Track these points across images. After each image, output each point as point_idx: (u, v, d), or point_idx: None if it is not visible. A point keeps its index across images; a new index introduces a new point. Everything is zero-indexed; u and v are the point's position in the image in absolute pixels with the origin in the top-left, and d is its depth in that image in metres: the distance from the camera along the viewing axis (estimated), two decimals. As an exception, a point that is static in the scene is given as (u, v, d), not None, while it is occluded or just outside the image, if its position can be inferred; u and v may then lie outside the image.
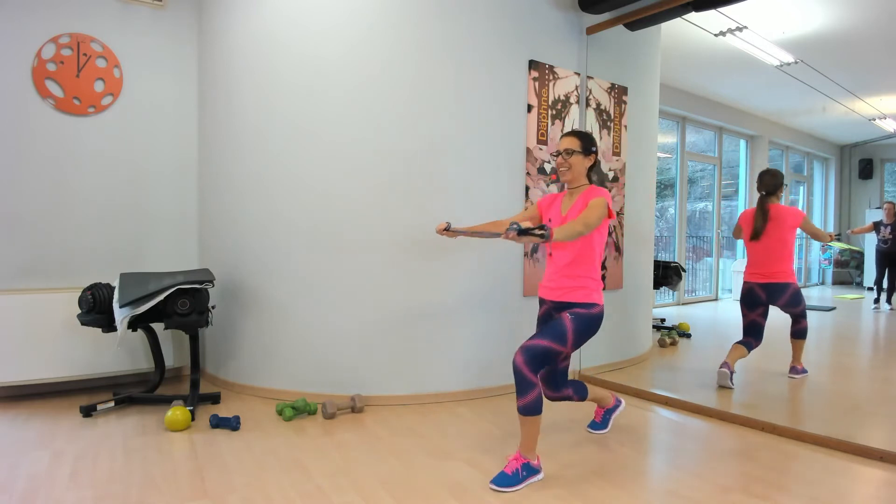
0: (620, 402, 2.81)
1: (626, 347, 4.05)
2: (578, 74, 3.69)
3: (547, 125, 3.52)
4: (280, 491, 2.09)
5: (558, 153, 2.36)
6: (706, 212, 5.49)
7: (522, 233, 1.91)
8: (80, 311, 3.02)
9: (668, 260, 5.18)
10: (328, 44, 3.12)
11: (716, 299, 5.57)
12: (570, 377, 2.65)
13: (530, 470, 2.17)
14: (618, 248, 3.94)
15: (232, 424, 2.73)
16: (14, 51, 3.20)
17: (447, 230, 2.39)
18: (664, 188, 5.35)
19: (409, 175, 3.14)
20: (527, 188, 3.44)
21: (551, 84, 3.53)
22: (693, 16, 3.47)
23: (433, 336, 3.20)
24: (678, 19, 3.57)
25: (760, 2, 3.70)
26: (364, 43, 3.10)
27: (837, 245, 5.22)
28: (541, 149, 3.49)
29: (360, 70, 3.11)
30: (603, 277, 3.81)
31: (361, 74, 3.11)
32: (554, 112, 3.56)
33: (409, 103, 3.14)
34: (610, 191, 3.85)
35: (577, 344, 2.26)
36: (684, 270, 5.29)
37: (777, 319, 3.53)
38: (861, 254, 5.27)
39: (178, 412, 2.72)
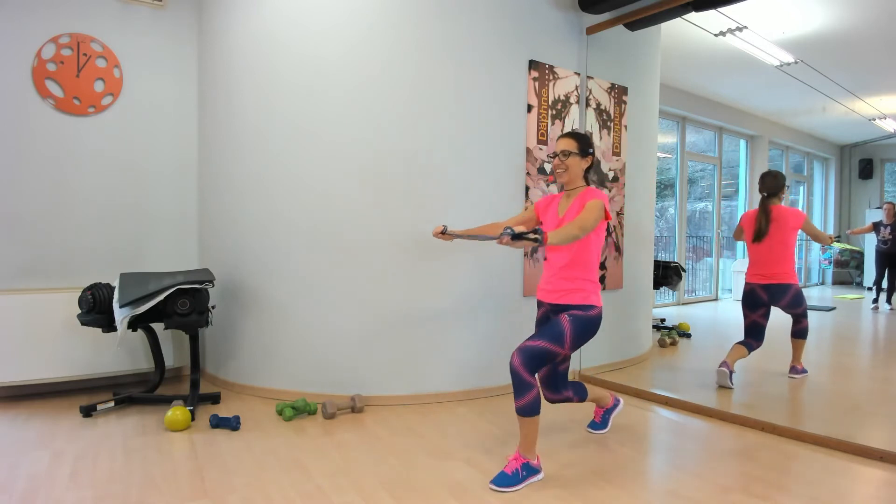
0: (619, 401, 2.81)
1: (626, 347, 4.05)
2: (578, 74, 3.69)
3: (547, 125, 3.52)
4: (280, 491, 2.09)
5: (555, 155, 2.36)
6: (706, 212, 5.49)
7: (516, 237, 1.91)
8: (80, 311, 3.02)
9: (668, 260, 5.18)
10: (328, 44, 3.12)
11: (716, 299, 5.57)
12: (569, 377, 2.65)
13: (530, 470, 2.17)
14: (618, 248, 3.94)
15: (232, 424, 2.73)
16: (14, 51, 3.20)
17: (443, 233, 2.38)
18: (664, 188, 5.35)
19: (409, 175, 3.14)
20: (527, 188, 3.44)
21: (551, 84, 3.53)
22: (693, 16, 3.47)
23: (433, 336, 3.20)
24: (678, 19, 3.57)
25: (760, 2, 3.70)
26: (364, 43, 3.10)
27: (838, 245, 5.22)
28: (541, 149, 3.49)
29: (360, 70, 3.11)
30: (603, 277, 3.82)
31: (361, 74, 3.11)
32: (554, 112, 3.56)
33: (409, 103, 3.14)
34: (610, 191, 3.86)
35: (576, 346, 2.26)
36: (684, 270, 5.29)
37: (777, 320, 3.53)
38: (861, 254, 5.27)
39: (178, 412, 2.72)
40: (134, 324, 2.98)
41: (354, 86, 3.11)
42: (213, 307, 3.24)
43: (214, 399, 3.17)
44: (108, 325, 2.96)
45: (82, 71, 3.37)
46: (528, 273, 3.46)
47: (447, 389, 3.24)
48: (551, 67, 3.52)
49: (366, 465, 2.34)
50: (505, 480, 2.13)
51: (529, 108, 3.44)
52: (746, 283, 3.52)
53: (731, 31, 4.07)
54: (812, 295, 5.48)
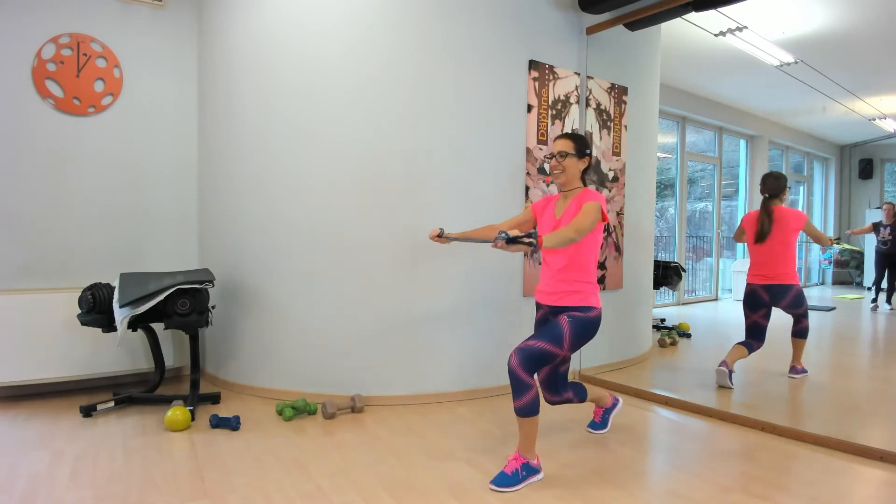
0: (618, 400, 2.81)
1: (626, 347, 4.05)
2: (578, 74, 3.69)
3: (547, 125, 3.52)
4: (280, 491, 2.09)
5: (552, 156, 2.35)
6: (706, 212, 5.49)
7: (511, 241, 1.90)
8: (80, 311, 3.02)
9: (668, 260, 5.17)
10: (328, 44, 3.12)
11: (716, 299, 5.57)
12: (569, 377, 2.65)
13: (530, 470, 2.17)
14: (618, 248, 3.94)
15: (232, 424, 2.73)
16: (14, 51, 3.20)
17: (440, 237, 2.38)
18: (664, 188, 5.35)
19: (409, 175, 3.14)
20: (527, 188, 3.44)
21: (551, 84, 3.53)
22: (693, 16, 3.47)
23: (433, 336, 3.21)
24: (678, 19, 3.57)
25: (760, 2, 3.70)
26: (364, 43, 3.10)
27: (838, 246, 5.22)
28: (541, 149, 3.49)
29: (360, 70, 3.11)
30: (603, 277, 3.82)
31: (361, 74, 3.11)
32: (554, 112, 3.56)
33: (409, 103, 3.14)
34: (610, 191, 3.86)
35: (574, 347, 2.26)
36: (684, 270, 5.28)
37: (778, 320, 3.53)
38: (861, 254, 5.26)
39: (178, 412, 2.72)
40: (134, 324, 2.98)
41: (354, 86, 3.11)
42: (213, 307, 3.24)
43: (214, 399, 3.17)
44: (108, 325, 2.96)
45: (82, 71, 3.37)
46: (528, 273, 3.46)
47: (447, 389, 3.24)
48: (551, 67, 3.52)
49: (366, 465, 2.34)
50: (505, 480, 2.13)
51: (529, 108, 3.43)
52: (748, 284, 3.52)
53: (731, 31, 4.07)
54: (812, 295, 5.48)
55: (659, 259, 4.96)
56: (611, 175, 3.87)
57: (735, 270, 5.40)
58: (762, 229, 3.42)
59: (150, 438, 2.61)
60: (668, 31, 4.28)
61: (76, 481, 2.14)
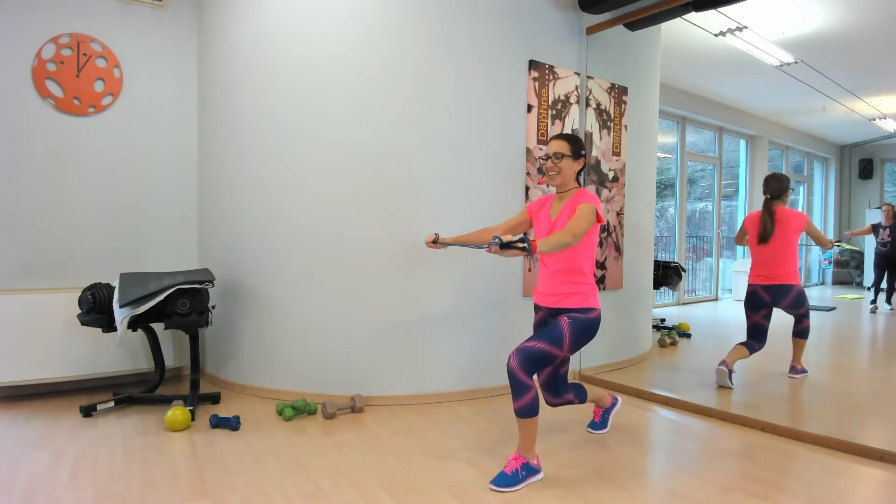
0: (617, 399, 2.81)
1: (626, 347, 4.05)
2: (578, 74, 3.69)
3: (547, 125, 3.52)
4: (280, 491, 2.09)
5: (547, 157, 2.33)
6: (706, 212, 5.48)
7: (505, 246, 1.90)
8: (80, 311, 3.02)
9: (668, 260, 5.17)
10: (328, 44, 3.12)
11: (716, 299, 5.56)
12: (569, 378, 2.65)
13: (530, 470, 2.17)
14: (618, 248, 3.94)
15: (232, 424, 2.73)
16: (14, 51, 3.20)
17: (435, 242, 2.37)
18: (664, 188, 5.35)
19: (409, 175, 3.14)
20: (527, 188, 3.44)
21: (551, 84, 3.53)
22: (693, 16, 3.47)
23: (433, 336, 3.20)
24: (678, 19, 3.57)
25: (760, 2, 3.70)
26: (364, 43, 3.10)
27: (838, 247, 5.21)
28: (541, 149, 3.49)
29: (360, 70, 3.11)
30: (603, 278, 3.82)
31: (361, 74, 3.11)
32: (554, 112, 3.56)
33: (409, 103, 3.14)
34: (610, 191, 3.87)
35: (574, 348, 2.26)
36: (684, 270, 5.28)
37: (778, 320, 3.53)
38: (861, 254, 5.26)
39: (178, 412, 2.72)
40: (134, 324, 2.98)
41: (354, 86, 3.11)
42: (213, 307, 3.24)
43: (214, 399, 3.17)
44: (108, 325, 2.96)
45: (82, 71, 3.37)
46: (527, 273, 3.46)
47: (447, 389, 3.24)
48: (551, 67, 3.52)
49: (366, 465, 2.34)
50: (505, 480, 2.13)
51: (529, 108, 3.43)
52: (749, 285, 3.53)
53: (731, 31, 4.07)
54: (812, 295, 5.47)
55: (659, 259, 4.96)
56: (611, 175, 3.87)
57: (735, 270, 5.40)
58: (765, 230, 3.42)
59: (150, 438, 2.61)
60: (668, 31, 4.28)
61: (76, 481, 2.15)
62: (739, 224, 3.71)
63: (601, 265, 3.83)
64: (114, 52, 3.46)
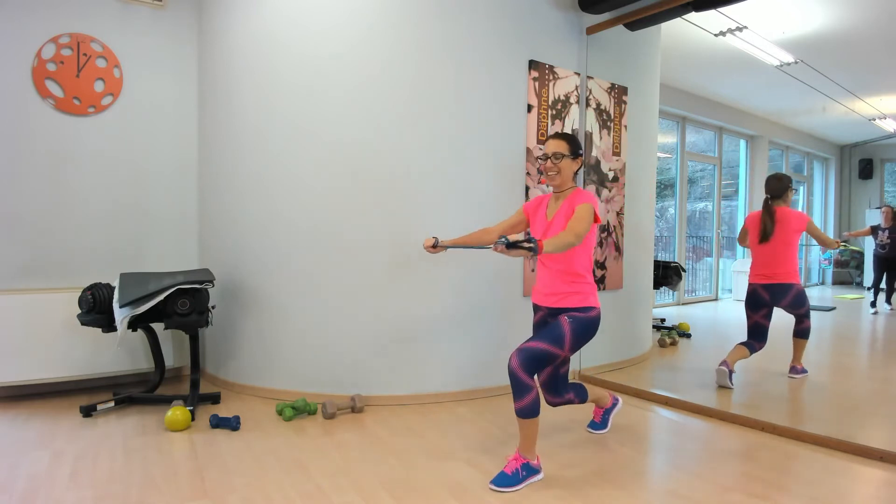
0: (618, 400, 2.81)
1: (626, 347, 4.05)
2: (578, 74, 3.69)
3: (547, 125, 3.52)
4: (280, 491, 2.09)
5: (546, 157, 2.32)
6: (706, 212, 5.48)
7: (511, 246, 1.90)
8: (80, 311, 3.02)
9: (668, 260, 5.17)
10: (328, 44, 3.12)
11: (716, 299, 5.56)
12: (569, 378, 2.65)
13: (530, 470, 2.17)
14: (618, 248, 3.94)
15: (232, 424, 2.73)
16: (14, 51, 3.20)
17: (435, 247, 2.36)
18: (664, 188, 5.35)
19: (409, 175, 3.14)
20: (527, 188, 3.44)
21: (551, 84, 3.53)
22: (693, 16, 3.47)
23: (433, 336, 3.20)
24: (678, 19, 3.56)
25: (760, 2, 3.70)
26: (364, 43, 3.10)
27: (843, 247, 5.20)
28: (540, 149, 3.49)
29: (360, 70, 3.11)
30: (603, 278, 3.82)
31: (361, 74, 3.11)
32: (554, 112, 3.56)
33: (409, 103, 3.14)
34: (610, 191, 3.86)
35: (575, 347, 2.25)
36: (684, 270, 5.28)
37: (778, 320, 3.53)
38: (861, 254, 5.26)
39: (178, 412, 2.72)
40: (134, 324, 2.98)
41: (354, 86, 3.11)
42: (213, 307, 3.24)
43: (214, 399, 3.17)
44: (108, 325, 2.96)
45: (82, 71, 3.37)
46: (527, 273, 3.46)
47: (447, 389, 3.24)
48: (551, 67, 3.52)
49: (366, 465, 2.34)
50: (505, 480, 2.13)
51: (529, 108, 3.43)
52: (749, 284, 3.53)
53: (731, 31, 4.07)
54: (812, 295, 5.47)
55: (659, 259, 4.96)
56: (611, 175, 3.87)
57: (735, 270, 5.40)
58: (765, 229, 3.43)
59: (150, 438, 2.61)
60: (668, 31, 4.28)
61: (76, 481, 2.14)
62: (739, 224, 3.72)
63: (601, 265, 3.83)
64: (114, 52, 3.46)
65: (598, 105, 3.80)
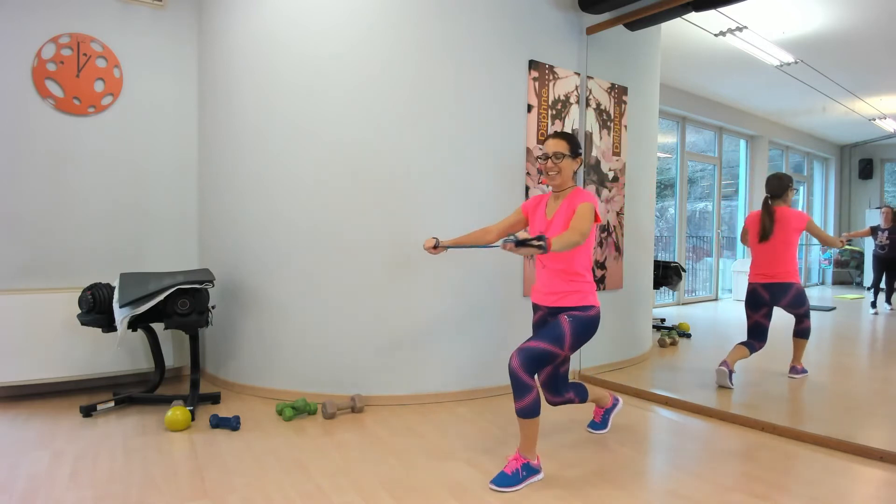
0: (618, 400, 2.81)
1: (626, 347, 4.05)
2: (578, 74, 3.69)
3: (547, 125, 3.52)
4: (280, 491, 2.09)
5: (546, 157, 2.31)
6: (706, 212, 5.48)
7: (521, 244, 1.89)
8: (80, 311, 3.02)
9: (668, 260, 5.17)
10: (328, 44, 3.12)
11: (716, 299, 5.56)
12: (569, 377, 2.65)
13: (530, 470, 2.17)
14: (618, 248, 3.94)
15: (232, 424, 2.73)
16: (14, 51, 3.20)
17: (436, 248, 2.36)
18: (664, 188, 5.35)
19: (409, 175, 3.14)
20: (527, 188, 3.44)
21: (551, 84, 3.53)
22: (693, 16, 3.47)
23: (433, 336, 3.20)
24: (678, 19, 3.56)
25: (760, 2, 3.70)
26: (364, 43, 3.10)
27: (849, 247, 5.20)
28: (540, 148, 3.48)
29: (360, 70, 3.11)
30: (603, 277, 3.82)
31: (361, 74, 3.11)
32: (554, 112, 3.55)
33: (409, 103, 3.14)
34: (610, 191, 3.86)
35: (575, 346, 2.26)
36: (684, 270, 5.28)
37: (778, 320, 3.53)
38: (861, 254, 5.26)
39: (178, 412, 2.72)
40: (134, 324, 2.98)
41: (354, 86, 3.11)
42: (213, 307, 3.24)
43: (214, 399, 3.17)
44: (108, 325, 2.96)
45: (82, 71, 3.37)
46: (527, 273, 3.46)
47: (447, 389, 3.24)
48: (551, 67, 3.52)
49: (366, 465, 2.34)
50: (505, 480, 2.13)
51: (529, 108, 3.43)
52: (749, 284, 3.53)
53: (731, 31, 4.07)
54: (812, 295, 5.47)
55: (659, 259, 4.96)
56: (611, 175, 3.87)
57: (735, 270, 5.40)
58: (764, 228, 3.43)
59: (150, 438, 2.61)
60: (668, 31, 4.28)
61: (76, 481, 2.14)
62: (739, 224, 3.72)
63: (601, 265, 3.83)
64: (114, 52, 3.46)
65: (598, 105, 3.80)
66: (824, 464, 2.39)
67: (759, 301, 3.47)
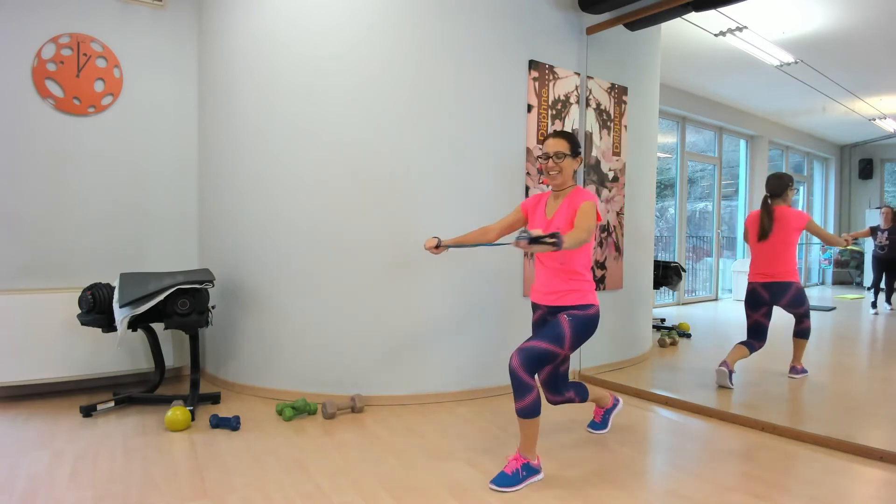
0: (618, 400, 2.81)
1: (626, 347, 4.05)
2: (578, 74, 3.69)
3: (547, 125, 3.52)
4: (280, 491, 2.09)
5: (547, 156, 2.31)
6: (706, 212, 5.48)
7: (534, 241, 1.85)
8: (80, 311, 3.02)
9: (668, 260, 5.17)
10: (328, 44, 3.12)
11: (716, 299, 5.56)
12: (569, 377, 2.65)
13: (530, 470, 2.17)
14: (618, 248, 3.94)
15: (232, 424, 2.73)
16: (14, 51, 3.20)
17: (437, 247, 2.36)
18: (664, 188, 5.35)
19: (408, 175, 3.14)
20: (527, 188, 3.44)
21: (551, 84, 3.53)
22: (693, 16, 3.47)
23: (433, 336, 3.20)
24: (678, 19, 3.56)
25: (760, 2, 3.70)
26: (364, 43, 3.10)
27: (854, 247, 5.20)
28: (541, 148, 3.48)
29: (360, 70, 3.11)
30: (603, 277, 3.82)
31: (361, 74, 3.11)
32: (554, 112, 3.56)
33: (409, 103, 3.14)
34: (610, 191, 3.86)
35: (575, 346, 2.26)
36: (684, 270, 5.28)
37: (778, 320, 3.53)
38: (861, 254, 5.26)
39: (178, 412, 2.72)
40: (134, 324, 2.98)
41: (354, 86, 3.11)
42: (213, 307, 3.24)
43: (214, 399, 3.17)
44: (108, 325, 2.96)
45: (82, 71, 3.37)
46: (527, 273, 3.46)
47: (447, 389, 3.24)
48: (551, 67, 3.52)
49: (366, 465, 2.34)
50: (505, 480, 2.13)
51: (529, 108, 3.43)
52: (749, 283, 3.54)
53: (731, 31, 4.07)
54: (812, 295, 5.47)
55: (659, 259, 4.96)
56: (611, 175, 3.87)
57: (735, 270, 5.40)
58: (763, 227, 3.44)
59: (150, 438, 2.61)
60: (668, 31, 4.28)
61: (76, 481, 2.14)
62: (739, 224, 3.73)
63: (601, 265, 3.83)
64: (114, 52, 3.46)
65: (598, 105, 3.80)
66: (824, 464, 2.39)
67: (759, 300, 3.48)
